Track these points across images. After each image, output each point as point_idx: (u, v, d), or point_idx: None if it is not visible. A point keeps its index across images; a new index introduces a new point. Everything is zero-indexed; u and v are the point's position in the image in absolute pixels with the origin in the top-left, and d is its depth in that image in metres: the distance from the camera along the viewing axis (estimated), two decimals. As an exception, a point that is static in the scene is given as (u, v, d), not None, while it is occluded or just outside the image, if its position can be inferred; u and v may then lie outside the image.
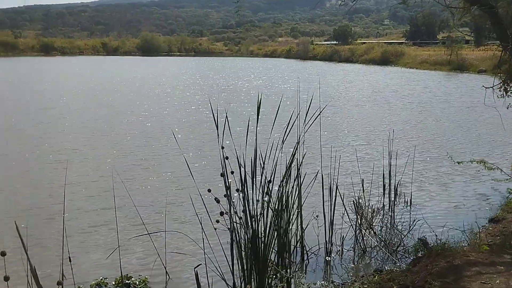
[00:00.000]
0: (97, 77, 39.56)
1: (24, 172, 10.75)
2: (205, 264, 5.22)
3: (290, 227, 5.68)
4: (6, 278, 3.90)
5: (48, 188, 9.45)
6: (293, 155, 5.23)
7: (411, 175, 9.71)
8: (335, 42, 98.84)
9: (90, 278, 5.69)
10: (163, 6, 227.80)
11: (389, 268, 5.96)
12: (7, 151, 12.73)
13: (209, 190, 5.10)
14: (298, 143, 5.42)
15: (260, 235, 5.09)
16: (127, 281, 5.49)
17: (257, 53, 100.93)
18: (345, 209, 6.84)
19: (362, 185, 7.66)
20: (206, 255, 5.18)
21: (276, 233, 5.34)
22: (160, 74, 44.63)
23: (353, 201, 6.90)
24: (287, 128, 5.22)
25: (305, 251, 6.48)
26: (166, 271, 5.39)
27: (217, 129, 5.02)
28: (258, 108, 5.01)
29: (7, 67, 52.06)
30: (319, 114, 5.28)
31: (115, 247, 5.09)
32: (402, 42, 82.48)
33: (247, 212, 5.00)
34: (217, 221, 5.07)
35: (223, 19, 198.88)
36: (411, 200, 8.80)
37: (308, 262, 6.43)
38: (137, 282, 5.50)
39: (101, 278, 5.54)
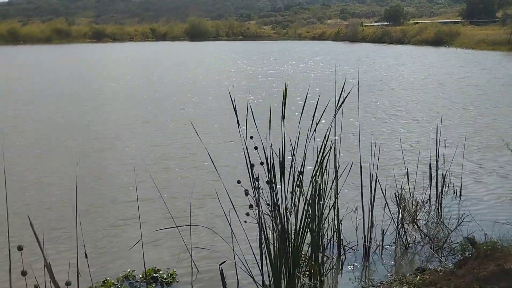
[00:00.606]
0: (147, 62, 40.10)
1: (63, 161, 10.87)
2: (234, 261, 4.99)
3: (324, 220, 5.32)
4: (24, 273, 3.81)
5: (84, 178, 9.49)
6: (325, 142, 4.83)
7: (462, 165, 9.06)
8: (386, 23, 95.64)
9: (115, 271, 5.60)
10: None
11: (432, 268, 5.50)
12: (51, 139, 12.99)
13: (238, 182, 4.84)
14: (329, 129, 5.02)
15: (290, 229, 4.79)
16: (154, 275, 5.35)
17: (305, 36, 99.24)
18: (386, 201, 6.40)
19: (407, 175, 7.17)
20: (234, 252, 4.93)
21: (308, 227, 5.00)
22: (207, 59, 44.70)
23: (395, 193, 6.44)
24: (314, 115, 4.84)
25: (342, 246, 6.12)
26: (193, 265, 5.19)
27: (237, 117, 4.70)
28: (285, 93, 4.64)
29: (61, 53, 53.74)
30: (345, 97, 4.84)
31: (141, 240, 4.92)
32: (458, 22, 78.65)
33: (276, 205, 4.69)
34: (247, 214, 4.80)
35: (271, 2, 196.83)
36: (461, 192, 8.20)
37: (345, 258, 6.06)
38: (165, 276, 5.34)
39: (129, 270, 5.41)
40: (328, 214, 5.92)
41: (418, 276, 5.21)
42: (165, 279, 5.30)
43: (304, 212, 4.92)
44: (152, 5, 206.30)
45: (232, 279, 5.26)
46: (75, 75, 30.37)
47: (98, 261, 5.94)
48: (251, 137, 4.89)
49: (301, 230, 4.85)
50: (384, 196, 6.39)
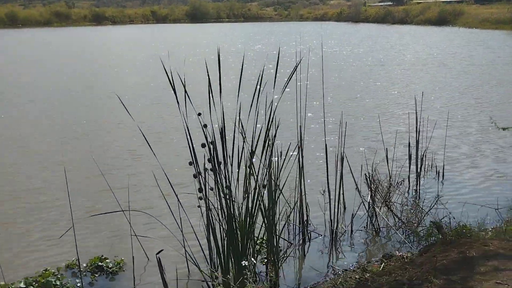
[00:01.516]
0: (145, 46, 39.46)
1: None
2: (185, 250, 4.60)
3: (281, 203, 4.92)
4: None
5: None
6: (270, 121, 4.38)
7: (444, 146, 8.62)
8: (389, 3, 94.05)
9: (55, 260, 5.23)
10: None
11: (401, 254, 5.11)
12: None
13: (190, 163, 4.42)
14: (276, 105, 4.57)
15: (237, 214, 4.38)
16: (100, 263, 4.98)
17: (307, 17, 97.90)
18: (356, 183, 5.98)
19: (387, 156, 6.75)
20: (178, 239, 4.55)
21: (261, 211, 4.60)
22: (204, 41, 43.98)
23: (365, 174, 6.02)
24: (256, 90, 4.40)
25: (306, 232, 5.72)
26: (136, 255, 4.82)
27: (176, 96, 4.26)
28: (219, 66, 4.19)
29: (60, 36, 53.11)
30: (292, 74, 4.36)
31: (73, 227, 4.53)
32: (462, 1, 77.18)
33: (224, 187, 4.29)
34: (201, 199, 4.41)
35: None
36: (443, 173, 7.75)
37: (310, 244, 5.67)
38: (111, 265, 4.97)
39: (73, 259, 5.05)
40: (291, 197, 5.54)
41: (383, 264, 4.83)
42: (110, 268, 4.93)
43: (256, 195, 4.51)
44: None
45: (183, 268, 4.89)
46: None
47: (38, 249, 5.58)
48: (199, 114, 4.47)
49: (251, 214, 4.44)
50: (354, 178, 5.97)
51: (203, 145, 4.38)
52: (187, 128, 4.26)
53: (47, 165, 8.63)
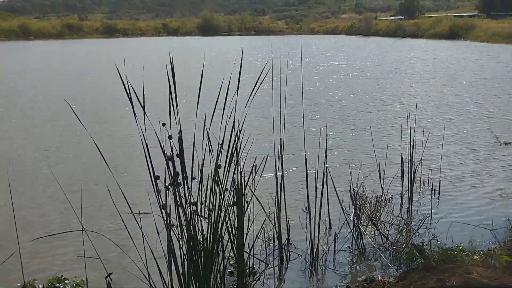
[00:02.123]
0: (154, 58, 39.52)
1: None
2: (148, 272, 4.25)
3: (250, 222, 4.56)
4: None
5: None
6: (239, 132, 4.03)
7: (440, 161, 8.20)
8: (401, 17, 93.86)
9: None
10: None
11: (381, 279, 4.71)
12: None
13: (157, 177, 4.05)
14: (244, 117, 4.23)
15: (202, 235, 4.03)
16: (57, 285, 4.65)
17: (318, 30, 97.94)
18: (339, 199, 5.60)
19: (379, 172, 6.36)
20: (134, 261, 4.20)
21: (228, 231, 4.24)
22: (208, 54, 43.93)
23: (350, 190, 5.64)
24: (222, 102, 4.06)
25: (284, 252, 5.34)
26: (86, 275, 4.48)
27: (131, 101, 3.94)
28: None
29: (70, 48, 53.54)
30: (258, 87, 4.02)
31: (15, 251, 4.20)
32: (474, 15, 76.65)
33: (180, 205, 3.93)
34: (171, 225, 4.05)
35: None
36: (439, 190, 7.33)
37: (288, 265, 5.29)
38: (69, 287, 4.63)
39: (30, 279, 4.72)
40: (269, 214, 5.18)
41: (363, 288, 4.43)
42: (71, 288, 4.59)
43: (223, 213, 4.16)
44: (167, 1, 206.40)
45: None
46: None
47: None
48: (163, 124, 4.14)
49: (215, 235, 4.08)
50: (337, 194, 5.59)
51: (171, 158, 4.06)
52: (145, 141, 3.92)
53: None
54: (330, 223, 6.03)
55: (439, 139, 9.86)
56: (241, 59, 4.32)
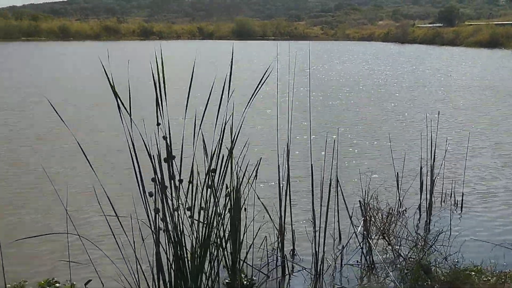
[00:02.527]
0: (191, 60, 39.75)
1: None
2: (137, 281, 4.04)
3: (243, 233, 4.30)
4: None
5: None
6: (236, 134, 3.77)
7: (464, 174, 7.70)
8: (439, 25, 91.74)
9: None
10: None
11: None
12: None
13: (150, 194, 3.78)
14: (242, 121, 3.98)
15: (191, 246, 3.79)
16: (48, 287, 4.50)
17: (353, 36, 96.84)
18: (348, 210, 5.26)
19: (397, 182, 5.99)
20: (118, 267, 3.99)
21: (220, 238, 4.00)
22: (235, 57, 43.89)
23: (360, 200, 5.30)
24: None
25: (286, 264, 5.04)
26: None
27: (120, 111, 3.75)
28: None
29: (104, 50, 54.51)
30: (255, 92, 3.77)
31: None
32: (517, 23, 74.09)
33: (169, 215, 3.70)
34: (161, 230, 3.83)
35: (321, 2, 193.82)
36: (462, 205, 6.87)
37: (290, 278, 4.99)
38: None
39: (21, 280, 4.59)
40: (274, 223, 4.91)
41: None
42: (60, 290, 4.43)
43: (216, 221, 3.92)
44: (204, 5, 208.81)
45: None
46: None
47: None
48: (158, 124, 3.94)
49: (206, 243, 3.84)
50: (346, 204, 5.26)
51: (165, 160, 3.85)
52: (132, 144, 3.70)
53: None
54: (339, 235, 5.70)
55: (468, 150, 9.34)
56: (231, 63, 4.07)
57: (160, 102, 3.57)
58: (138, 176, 3.61)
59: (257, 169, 4.41)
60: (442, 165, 7.16)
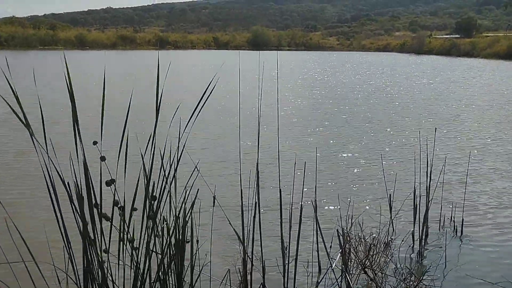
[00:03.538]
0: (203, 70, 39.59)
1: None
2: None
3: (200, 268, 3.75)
4: None
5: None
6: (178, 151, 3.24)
7: (464, 199, 7.02)
8: (457, 36, 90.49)
9: None
10: (279, 1, 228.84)
11: None
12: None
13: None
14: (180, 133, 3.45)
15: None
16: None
17: (369, 47, 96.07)
18: (323, 240, 4.67)
19: (390, 207, 5.38)
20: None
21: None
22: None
23: (337, 229, 4.70)
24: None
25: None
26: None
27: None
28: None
29: (122, 58, 54.79)
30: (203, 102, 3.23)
31: None
32: (536, 35, 72.55)
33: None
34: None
35: (338, 13, 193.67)
36: (461, 232, 6.20)
37: (254, 317, 4.41)
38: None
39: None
40: (240, 253, 4.35)
41: None
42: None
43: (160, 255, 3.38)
44: (221, 15, 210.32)
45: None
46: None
47: None
48: (94, 143, 3.43)
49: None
50: (321, 233, 4.66)
51: (107, 183, 3.36)
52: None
53: None
54: (319, 267, 5.10)
55: (471, 171, 8.66)
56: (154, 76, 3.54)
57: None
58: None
59: (214, 195, 3.88)
60: (441, 187, 6.50)
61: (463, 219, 6.24)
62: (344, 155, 10.50)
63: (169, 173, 3.45)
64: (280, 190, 4.46)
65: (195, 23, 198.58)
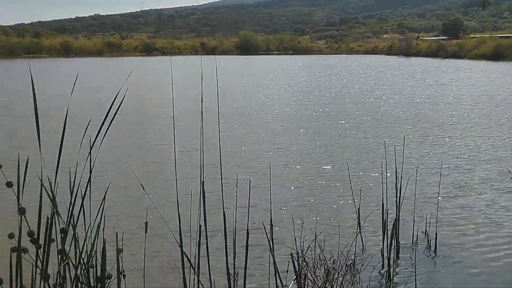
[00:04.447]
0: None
1: None
2: None
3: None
4: None
5: None
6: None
7: (437, 216, 6.59)
8: (444, 37, 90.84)
9: None
10: (268, 5, 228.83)
11: None
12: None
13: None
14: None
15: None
16: None
17: (357, 50, 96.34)
18: (276, 266, 4.22)
19: (359, 222, 4.95)
20: None
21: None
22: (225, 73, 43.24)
23: (291, 253, 4.26)
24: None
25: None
26: None
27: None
28: None
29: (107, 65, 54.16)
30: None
31: None
32: (522, 35, 72.94)
33: None
34: None
35: (327, 17, 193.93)
36: (435, 247, 5.78)
37: None
38: None
39: None
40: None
41: None
42: None
43: None
44: (209, 21, 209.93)
45: None
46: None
47: None
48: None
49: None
50: (273, 258, 4.20)
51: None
52: None
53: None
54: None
55: (447, 180, 8.28)
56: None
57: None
58: None
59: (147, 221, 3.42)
60: (413, 199, 6.09)
61: (436, 234, 5.81)
62: (310, 164, 10.04)
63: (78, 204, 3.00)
64: (224, 212, 4.01)
65: (183, 29, 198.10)
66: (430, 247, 5.80)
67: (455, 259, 5.57)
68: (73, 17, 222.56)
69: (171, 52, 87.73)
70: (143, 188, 4.38)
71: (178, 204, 3.95)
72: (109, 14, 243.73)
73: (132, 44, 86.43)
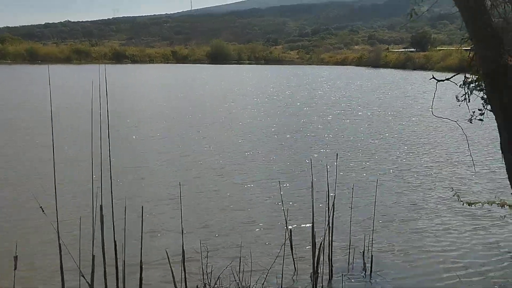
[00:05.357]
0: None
1: None
2: None
3: None
4: None
5: None
6: None
7: (372, 233, 6.44)
8: (413, 50, 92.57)
9: None
10: (241, 15, 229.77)
11: None
12: None
13: None
14: None
15: None
16: None
17: (328, 61, 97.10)
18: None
19: (291, 242, 4.66)
20: None
21: None
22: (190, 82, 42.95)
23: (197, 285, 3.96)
24: None
25: None
26: None
27: None
28: None
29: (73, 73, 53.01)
30: None
31: None
32: (487, 49, 74.81)
33: None
34: None
35: (299, 27, 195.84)
36: (371, 270, 5.56)
37: None
38: None
39: None
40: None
41: None
42: None
43: None
44: (183, 29, 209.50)
45: None
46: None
47: None
48: None
49: None
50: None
51: None
52: None
53: None
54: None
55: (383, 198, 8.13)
56: None
57: None
58: None
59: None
60: (349, 218, 5.87)
61: (372, 256, 5.60)
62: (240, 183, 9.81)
63: None
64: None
65: (156, 37, 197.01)
66: (365, 269, 5.58)
67: (391, 282, 5.37)
68: (42, 23, 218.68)
69: (141, 61, 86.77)
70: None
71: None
72: (80, 20, 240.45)
73: (101, 51, 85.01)
